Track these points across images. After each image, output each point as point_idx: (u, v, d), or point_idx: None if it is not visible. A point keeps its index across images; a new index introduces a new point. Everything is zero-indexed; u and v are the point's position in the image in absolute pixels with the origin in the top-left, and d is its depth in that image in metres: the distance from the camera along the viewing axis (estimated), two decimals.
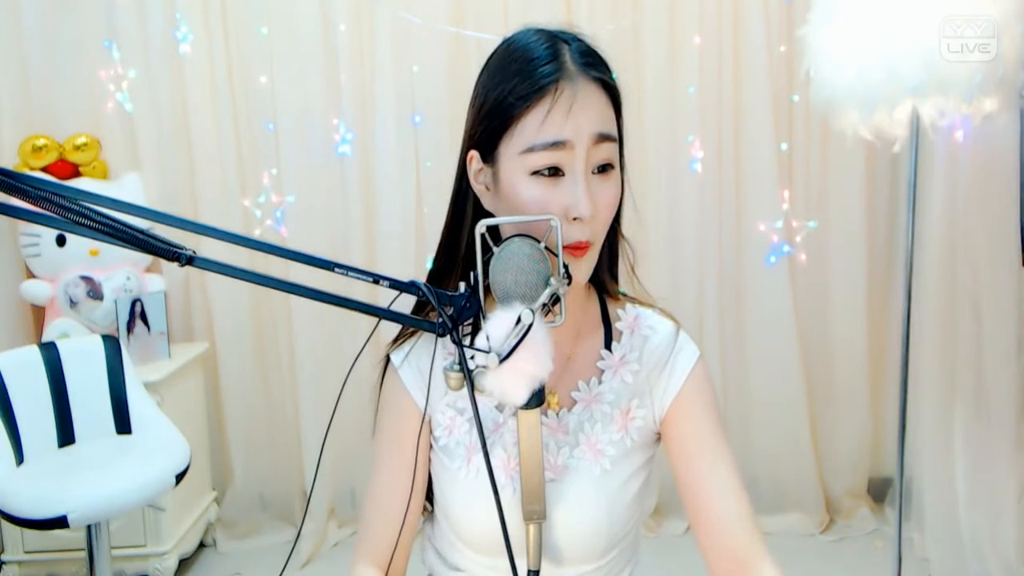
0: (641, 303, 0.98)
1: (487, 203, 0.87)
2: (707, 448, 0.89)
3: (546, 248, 0.76)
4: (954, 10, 1.69)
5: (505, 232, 0.81)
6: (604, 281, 0.96)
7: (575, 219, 0.79)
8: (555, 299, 0.75)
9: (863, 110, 1.84)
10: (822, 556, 2.62)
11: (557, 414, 0.91)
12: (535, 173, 0.80)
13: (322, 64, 2.66)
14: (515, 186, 0.81)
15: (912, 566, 2.45)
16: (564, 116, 0.78)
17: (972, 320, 2.37)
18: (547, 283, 0.75)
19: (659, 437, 0.94)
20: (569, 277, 0.77)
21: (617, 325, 0.95)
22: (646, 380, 0.93)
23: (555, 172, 0.80)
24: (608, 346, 0.94)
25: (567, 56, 0.81)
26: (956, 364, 2.41)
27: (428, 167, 2.70)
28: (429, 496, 0.99)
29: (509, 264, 0.75)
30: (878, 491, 2.91)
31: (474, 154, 0.86)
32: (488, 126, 0.83)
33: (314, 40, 2.65)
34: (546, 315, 0.75)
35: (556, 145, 0.79)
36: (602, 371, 0.93)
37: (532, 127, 0.79)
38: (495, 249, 0.76)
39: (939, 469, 2.45)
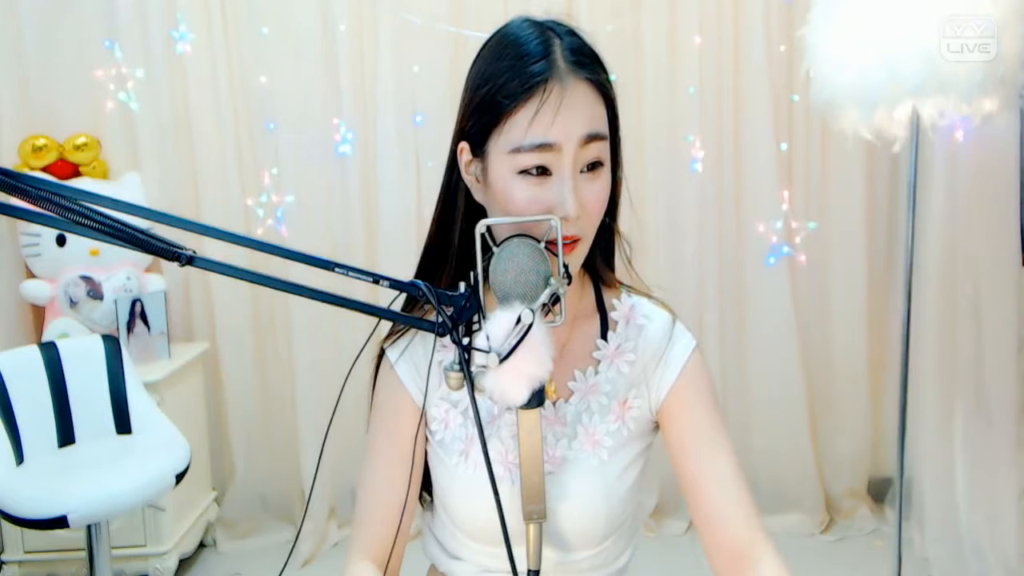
0: (637, 292, 0.98)
1: (477, 195, 0.88)
2: (704, 439, 0.88)
3: (546, 248, 0.76)
4: (954, 10, 1.69)
5: (500, 232, 0.81)
6: (599, 270, 0.96)
7: (561, 218, 0.80)
8: (555, 299, 0.75)
9: (863, 110, 1.84)
10: (822, 556, 2.62)
11: (555, 404, 0.92)
12: (522, 172, 0.80)
13: (322, 64, 2.66)
14: (503, 184, 0.81)
15: (912, 566, 2.45)
16: (551, 118, 0.78)
17: (972, 320, 2.37)
18: (547, 283, 0.75)
19: (657, 426, 0.94)
20: (569, 277, 0.77)
21: (612, 315, 0.95)
22: (642, 371, 0.93)
23: (542, 171, 0.80)
24: (604, 336, 0.94)
25: (558, 54, 0.81)
26: (956, 364, 2.41)
27: (429, 167, 2.70)
28: (428, 486, 0.99)
29: (509, 264, 0.75)
30: (878, 491, 2.90)
31: (464, 146, 0.86)
32: (478, 121, 0.83)
33: (314, 40, 2.65)
34: (546, 315, 0.75)
35: (543, 147, 0.79)
36: (598, 361, 0.93)
37: (520, 127, 0.79)
38: (495, 249, 0.75)
39: (939, 469, 2.45)
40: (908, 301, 2.03)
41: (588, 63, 0.82)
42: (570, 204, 0.79)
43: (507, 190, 0.81)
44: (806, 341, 2.79)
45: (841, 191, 2.72)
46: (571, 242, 0.82)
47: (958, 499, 2.39)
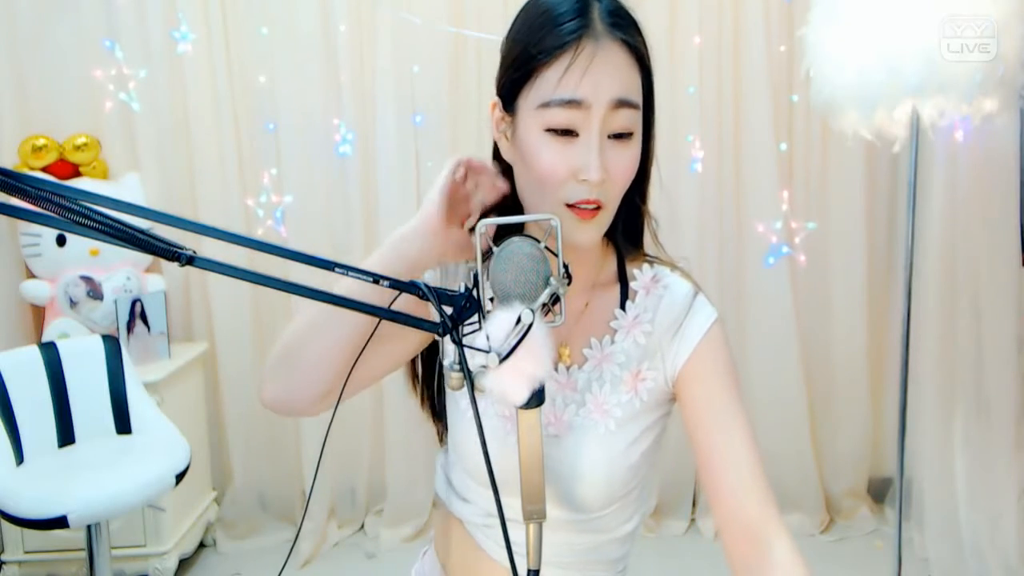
0: (661, 263, 0.97)
1: (505, 153, 0.88)
2: (720, 415, 0.87)
3: (546, 248, 0.76)
4: (954, 10, 1.69)
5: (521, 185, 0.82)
6: (619, 242, 0.95)
7: (584, 180, 0.79)
8: (555, 299, 0.75)
9: (863, 110, 1.84)
10: (822, 556, 2.62)
11: (568, 369, 0.92)
12: (549, 130, 0.80)
13: (322, 64, 2.66)
14: (529, 140, 0.81)
15: (912, 566, 2.45)
16: (581, 74, 0.78)
17: (972, 320, 2.37)
18: (547, 283, 0.75)
19: (674, 397, 0.93)
20: (569, 277, 0.77)
21: (633, 284, 0.94)
22: (658, 342, 0.91)
23: (569, 132, 0.79)
24: (623, 305, 0.93)
25: (595, 13, 0.80)
26: (956, 364, 2.41)
27: (429, 167, 2.70)
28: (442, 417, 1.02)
29: (509, 264, 0.74)
30: (878, 491, 2.90)
31: (496, 102, 0.86)
32: (510, 76, 0.83)
33: (314, 40, 2.65)
34: (546, 315, 0.75)
35: (571, 103, 0.78)
36: (615, 331, 0.92)
37: (550, 82, 0.79)
38: (495, 248, 0.75)
39: (939, 469, 2.45)
40: (908, 301, 2.03)
41: (625, 25, 0.81)
42: (595, 167, 0.78)
43: (534, 148, 0.80)
44: (806, 341, 2.79)
45: (841, 191, 2.72)
46: (594, 208, 0.81)
47: (958, 499, 2.39)
